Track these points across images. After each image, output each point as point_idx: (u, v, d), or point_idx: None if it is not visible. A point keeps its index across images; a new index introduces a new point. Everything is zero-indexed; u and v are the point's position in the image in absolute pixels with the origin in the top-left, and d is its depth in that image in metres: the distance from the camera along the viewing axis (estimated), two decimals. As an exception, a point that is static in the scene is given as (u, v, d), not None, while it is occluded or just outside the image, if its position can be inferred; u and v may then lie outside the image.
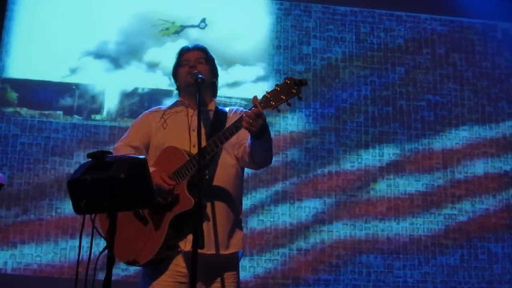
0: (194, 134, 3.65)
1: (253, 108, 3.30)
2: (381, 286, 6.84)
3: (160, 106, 4.03)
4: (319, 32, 7.49)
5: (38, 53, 6.96)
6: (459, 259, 7.03)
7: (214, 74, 3.97)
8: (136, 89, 7.02)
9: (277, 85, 3.30)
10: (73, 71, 6.98)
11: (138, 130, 3.88)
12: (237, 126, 3.38)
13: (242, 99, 6.92)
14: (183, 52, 3.95)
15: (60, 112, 6.85)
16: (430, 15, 7.76)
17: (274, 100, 3.28)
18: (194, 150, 3.53)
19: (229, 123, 3.53)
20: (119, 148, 3.77)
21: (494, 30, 7.86)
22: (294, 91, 3.25)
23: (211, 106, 3.88)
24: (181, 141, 3.65)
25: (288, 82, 3.27)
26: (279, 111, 3.34)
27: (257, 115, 3.28)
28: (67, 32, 7.06)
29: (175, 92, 4.09)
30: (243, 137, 3.61)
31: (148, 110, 4.02)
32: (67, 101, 6.89)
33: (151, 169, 3.33)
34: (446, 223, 7.12)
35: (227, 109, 3.92)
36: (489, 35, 7.84)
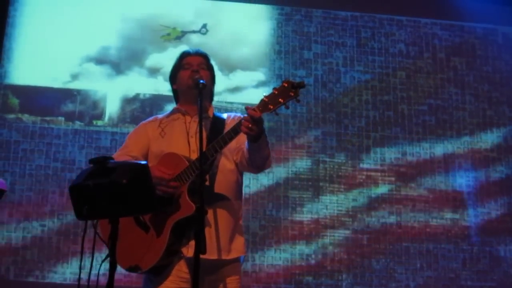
0: (192, 141, 3.65)
1: (251, 111, 3.30)
2: (383, 291, 6.86)
3: (156, 116, 4.02)
4: (320, 37, 7.50)
5: (40, 59, 6.97)
6: (461, 263, 7.02)
7: (213, 81, 3.97)
8: (137, 94, 7.03)
9: (275, 88, 3.30)
10: (75, 77, 6.99)
11: (136, 140, 3.86)
12: (236, 130, 3.38)
13: (243, 104, 6.91)
14: (184, 55, 3.94)
15: (61, 118, 6.86)
16: (431, 19, 7.76)
17: (272, 104, 3.28)
18: (194, 156, 3.53)
19: (227, 129, 3.51)
20: (118, 158, 3.71)
21: (495, 34, 7.87)
22: (292, 94, 3.25)
23: (209, 113, 3.87)
24: (180, 148, 3.65)
25: (286, 85, 3.26)
26: (277, 114, 3.34)
27: (257, 120, 3.29)
28: (68, 38, 7.07)
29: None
30: (242, 142, 3.61)
31: (145, 120, 4.01)
32: (68, 107, 6.90)
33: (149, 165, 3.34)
34: (448, 227, 7.11)
35: (224, 115, 3.92)
36: (490, 39, 7.84)
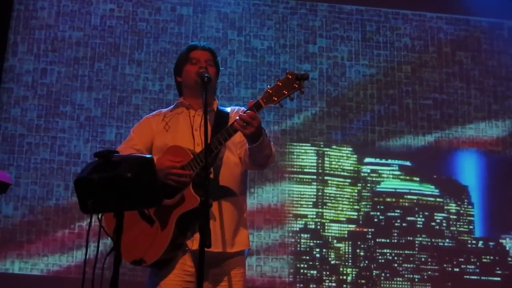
0: (197, 134, 3.66)
1: (247, 111, 3.31)
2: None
3: (160, 110, 4.03)
4: (325, 31, 7.48)
5: (45, 53, 6.98)
6: (465, 257, 7.01)
7: (218, 77, 3.96)
8: (143, 88, 7.02)
9: (278, 80, 3.32)
10: (80, 70, 6.98)
11: (140, 133, 3.87)
12: None
13: (247, 98, 6.92)
14: (192, 48, 3.92)
15: (66, 112, 6.85)
16: (436, 13, 7.74)
17: (276, 96, 3.30)
18: (198, 149, 3.53)
19: (231, 122, 3.51)
20: (122, 151, 3.72)
21: (501, 29, 7.84)
22: (296, 86, 3.28)
23: (213, 107, 3.87)
24: (184, 141, 3.65)
25: (290, 77, 3.29)
26: (281, 106, 3.35)
27: (252, 117, 3.28)
28: (73, 31, 7.07)
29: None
30: None
31: (150, 114, 4.02)
32: (73, 100, 6.89)
33: (155, 158, 3.34)
34: (452, 221, 7.10)
35: (228, 109, 3.92)
36: (496, 34, 7.81)
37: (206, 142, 3.26)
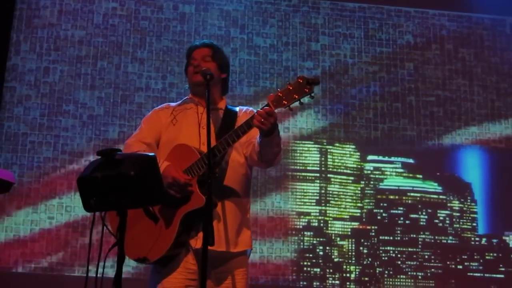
0: (203, 132, 3.64)
1: (265, 107, 3.30)
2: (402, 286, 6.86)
3: (169, 103, 4.03)
4: (328, 28, 7.48)
5: (47, 52, 6.98)
6: (469, 254, 7.01)
7: (223, 69, 3.91)
8: (146, 87, 7.02)
9: (289, 83, 3.30)
10: (83, 69, 6.98)
11: (149, 127, 3.86)
12: (249, 124, 3.38)
13: (250, 96, 6.93)
14: (191, 49, 3.94)
15: (69, 110, 6.86)
16: (439, 10, 7.73)
17: (286, 100, 3.29)
18: (204, 148, 3.52)
19: (239, 122, 3.53)
20: (132, 144, 3.75)
21: (503, 25, 7.83)
22: (307, 90, 3.26)
23: (221, 105, 3.87)
24: (191, 138, 3.66)
25: (301, 81, 3.27)
26: (291, 110, 3.34)
27: (269, 114, 3.28)
28: (76, 30, 7.07)
29: (185, 87, 4.07)
30: (252, 136, 3.60)
31: (158, 107, 4.02)
32: (76, 99, 6.90)
33: (166, 164, 3.35)
34: (456, 218, 7.10)
35: (237, 108, 3.92)
36: (498, 30, 7.80)
37: (209, 141, 3.27)
